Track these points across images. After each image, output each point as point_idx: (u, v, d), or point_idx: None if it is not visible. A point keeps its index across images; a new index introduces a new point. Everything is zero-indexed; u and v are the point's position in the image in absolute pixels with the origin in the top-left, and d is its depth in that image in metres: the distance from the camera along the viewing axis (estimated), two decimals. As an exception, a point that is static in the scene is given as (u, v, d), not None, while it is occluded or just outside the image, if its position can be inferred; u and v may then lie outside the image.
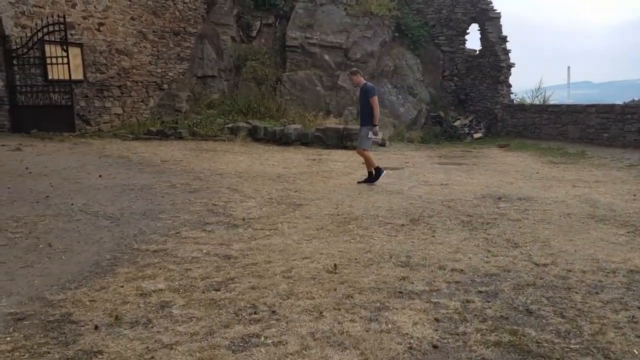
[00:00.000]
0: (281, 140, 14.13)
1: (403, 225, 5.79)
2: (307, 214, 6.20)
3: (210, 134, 14.44)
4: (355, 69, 8.80)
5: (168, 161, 9.89)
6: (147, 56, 15.83)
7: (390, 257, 4.59)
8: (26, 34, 11.65)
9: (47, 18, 11.65)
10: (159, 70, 16.37)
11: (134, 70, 15.34)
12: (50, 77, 12.02)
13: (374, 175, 8.37)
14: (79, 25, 13.22)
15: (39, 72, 11.97)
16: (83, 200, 6.48)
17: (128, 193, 6.98)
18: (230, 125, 14.97)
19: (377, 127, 8.28)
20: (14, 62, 11.66)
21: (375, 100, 8.13)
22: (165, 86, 16.68)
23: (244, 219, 5.86)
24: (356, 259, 4.54)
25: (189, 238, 5.10)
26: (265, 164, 10.41)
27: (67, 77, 11.76)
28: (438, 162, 12.09)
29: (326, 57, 17.79)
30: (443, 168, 10.88)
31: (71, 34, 12.67)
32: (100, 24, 13.93)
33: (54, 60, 11.76)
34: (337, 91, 17.44)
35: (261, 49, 18.51)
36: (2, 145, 10.50)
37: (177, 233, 5.25)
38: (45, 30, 11.55)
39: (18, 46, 11.58)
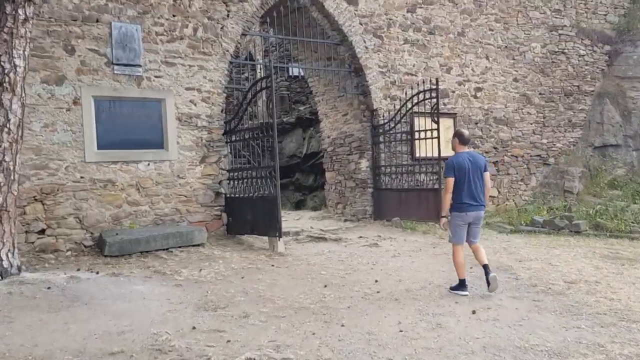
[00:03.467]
0: None
1: None
2: None
3: (621, 227, 10.08)
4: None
5: (576, 284, 6.21)
6: (531, 124, 12.72)
7: None
8: (394, 106, 10.12)
9: (417, 86, 9.86)
10: (544, 141, 12.99)
11: (514, 142, 12.41)
12: (417, 155, 10.10)
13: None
14: (452, 92, 11.18)
15: (406, 149, 10.20)
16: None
17: (525, 374, 3.72)
18: (653, 215, 10.28)
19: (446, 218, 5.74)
20: (381, 138, 10.22)
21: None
22: (552, 160, 13.13)
23: None
24: None
25: None
26: None
27: (436, 154, 9.57)
28: None
29: None
30: None
31: (443, 104, 10.66)
32: (477, 89, 11.60)
33: (422, 135, 9.81)
34: None
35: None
36: (360, 237, 8.88)
37: None
38: (414, 100, 9.73)
39: (385, 120, 10.11)
